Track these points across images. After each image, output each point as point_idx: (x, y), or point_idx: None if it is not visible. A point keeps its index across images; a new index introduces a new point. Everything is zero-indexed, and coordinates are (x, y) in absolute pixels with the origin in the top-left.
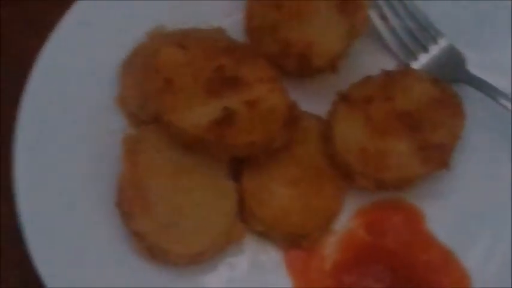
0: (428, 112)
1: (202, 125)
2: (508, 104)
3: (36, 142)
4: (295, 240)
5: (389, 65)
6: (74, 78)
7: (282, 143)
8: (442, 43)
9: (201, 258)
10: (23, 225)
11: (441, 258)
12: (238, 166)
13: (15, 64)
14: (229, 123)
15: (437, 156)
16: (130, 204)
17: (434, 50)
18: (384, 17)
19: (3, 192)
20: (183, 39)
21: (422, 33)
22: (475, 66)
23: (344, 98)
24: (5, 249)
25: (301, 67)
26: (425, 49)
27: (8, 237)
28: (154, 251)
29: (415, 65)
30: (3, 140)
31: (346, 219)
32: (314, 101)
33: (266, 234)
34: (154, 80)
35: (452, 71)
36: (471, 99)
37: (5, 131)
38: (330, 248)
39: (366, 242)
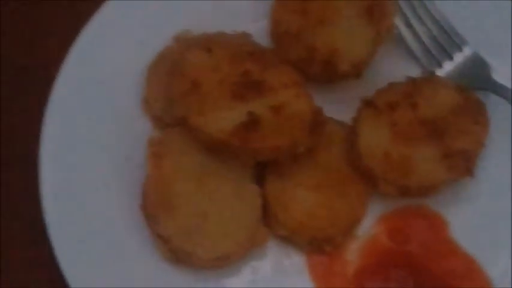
0: (452, 119)
1: (227, 129)
2: None
3: (62, 145)
4: (318, 245)
5: (414, 72)
6: (100, 81)
7: (306, 148)
8: (467, 51)
9: (224, 262)
10: (49, 227)
11: (464, 266)
12: (262, 170)
13: (42, 65)
14: (254, 127)
15: (461, 163)
16: (155, 207)
17: (459, 57)
18: (409, 24)
19: (31, 194)
20: (209, 43)
21: (447, 41)
22: (499, 74)
23: (369, 104)
24: (32, 250)
25: (326, 73)
26: (449, 56)
27: (34, 239)
28: (178, 254)
29: (440, 72)
30: (34, 141)
31: (369, 225)
32: (338, 107)
33: (289, 239)
34: (180, 84)
35: (476, 79)
36: (495, 107)
37: (33, 131)
38: (353, 253)
39: (389, 248)
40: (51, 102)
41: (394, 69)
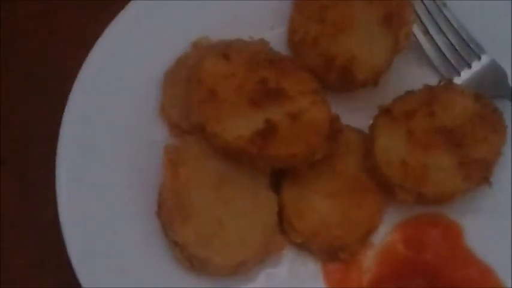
0: (470, 127)
1: (244, 136)
2: None
3: (79, 151)
4: (333, 253)
5: (432, 80)
6: (117, 88)
7: (323, 156)
8: (485, 59)
9: (240, 269)
10: (65, 234)
11: (480, 274)
12: (279, 178)
13: (58, 73)
14: (271, 135)
15: (479, 172)
16: (171, 214)
17: (477, 65)
18: (426, 32)
19: (49, 200)
20: (227, 50)
21: (465, 49)
22: None
23: (386, 112)
24: (47, 257)
25: (344, 81)
26: (467, 65)
27: (49, 246)
28: (194, 261)
29: (457, 81)
30: (51, 146)
31: (385, 232)
32: (356, 115)
33: (305, 246)
34: (197, 91)
35: (494, 87)
36: None
37: (50, 135)
38: (369, 261)
39: (405, 256)
40: (68, 109)
41: (411, 77)
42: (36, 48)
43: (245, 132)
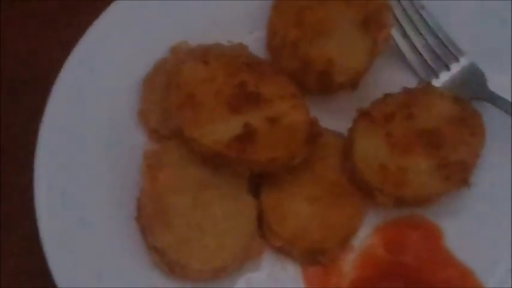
0: (448, 130)
1: (223, 141)
2: None
3: (57, 156)
4: (313, 257)
5: (410, 82)
6: (96, 93)
7: (302, 160)
8: (463, 61)
9: (220, 274)
10: (43, 239)
11: (460, 276)
12: (258, 182)
13: (39, 77)
14: (250, 139)
15: (458, 174)
16: (150, 219)
17: (456, 68)
18: (405, 35)
19: (24, 207)
20: (205, 54)
21: (444, 51)
22: (495, 84)
23: (364, 115)
24: (24, 261)
25: (322, 84)
26: (446, 67)
27: (27, 249)
28: (173, 266)
29: (436, 83)
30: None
31: (365, 236)
32: (335, 118)
33: (284, 250)
34: (176, 96)
35: (473, 89)
36: (492, 117)
37: (26, 140)
38: (349, 264)
39: (385, 259)
40: (47, 113)
41: (390, 80)
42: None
43: (224, 136)
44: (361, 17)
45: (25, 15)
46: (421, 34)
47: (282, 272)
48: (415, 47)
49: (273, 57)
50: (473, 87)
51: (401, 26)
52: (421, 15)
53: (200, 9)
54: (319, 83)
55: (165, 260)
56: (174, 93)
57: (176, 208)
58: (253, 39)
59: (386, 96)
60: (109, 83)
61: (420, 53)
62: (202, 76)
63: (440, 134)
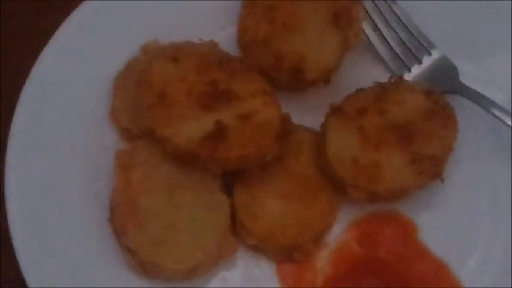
0: (421, 123)
1: (194, 139)
2: (501, 114)
3: (29, 156)
4: (287, 253)
5: (383, 76)
6: (67, 93)
7: (274, 157)
8: (435, 54)
9: (194, 273)
10: (13, 238)
11: (434, 270)
12: (231, 180)
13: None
14: (221, 137)
15: (430, 168)
16: (123, 219)
17: (427, 61)
18: (376, 29)
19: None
20: (176, 53)
21: (415, 45)
22: (467, 77)
23: (337, 111)
24: None
25: (294, 80)
26: (418, 60)
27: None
28: (146, 266)
29: (408, 77)
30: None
31: (339, 231)
32: (307, 114)
33: (259, 248)
34: (147, 94)
35: (445, 82)
36: (464, 110)
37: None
38: (323, 260)
39: (359, 254)
40: (17, 112)
41: (362, 74)
42: None
43: (195, 135)
44: (332, 12)
45: None
46: (392, 28)
47: (256, 270)
48: (386, 41)
49: (245, 54)
50: (445, 80)
51: (372, 21)
52: (392, 9)
53: (170, 7)
54: (291, 79)
55: (138, 260)
56: (145, 92)
57: (149, 208)
58: (224, 37)
59: (359, 91)
60: (80, 83)
61: (392, 47)
62: (173, 74)
63: (413, 127)
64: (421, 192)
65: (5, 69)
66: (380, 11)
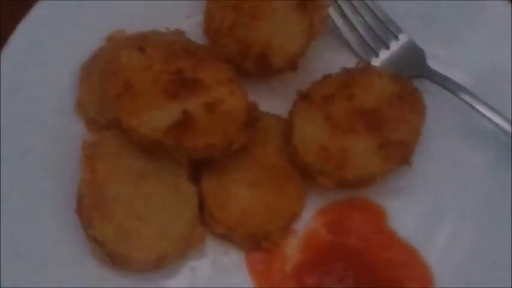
0: (388, 109)
1: (161, 128)
2: (468, 98)
3: None
4: (256, 242)
5: (351, 62)
6: (32, 84)
7: (242, 145)
8: (402, 39)
9: (162, 263)
10: None
11: (403, 255)
12: (199, 169)
13: None
14: (188, 126)
15: (398, 153)
16: (90, 211)
17: (395, 46)
18: (343, 15)
19: None
20: (142, 42)
21: (382, 30)
22: (434, 61)
23: (304, 97)
24: None
25: (261, 67)
26: (385, 45)
27: None
28: (114, 257)
29: (376, 62)
30: None
31: (308, 218)
32: (275, 101)
33: (227, 237)
34: (113, 84)
35: (412, 67)
36: (432, 94)
37: None
38: (292, 248)
39: (328, 241)
40: None
41: (330, 60)
42: None
43: (161, 124)
44: None
45: None
46: (359, 13)
47: (225, 259)
48: (353, 26)
49: (211, 42)
50: (412, 64)
51: (339, 6)
52: None
53: None
54: (258, 66)
55: (105, 252)
56: (111, 82)
57: (116, 198)
58: (190, 25)
59: (326, 77)
60: (46, 74)
61: (359, 32)
62: (139, 64)
63: (381, 113)
64: (389, 178)
65: None
66: None
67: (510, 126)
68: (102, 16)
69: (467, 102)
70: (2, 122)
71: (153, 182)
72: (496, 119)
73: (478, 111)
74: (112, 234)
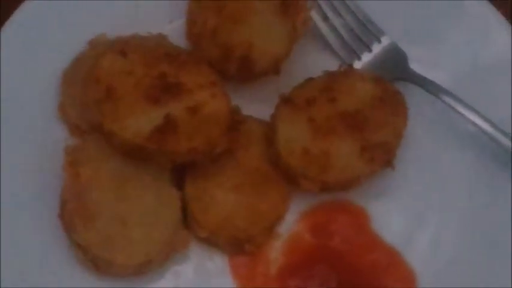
0: (371, 111)
1: (143, 133)
2: (450, 100)
3: None
4: (239, 245)
5: (333, 65)
6: (14, 88)
7: (225, 148)
8: (385, 41)
9: (146, 268)
10: None
11: (386, 258)
12: (182, 173)
13: None
14: (170, 130)
15: (381, 156)
16: (72, 216)
17: (377, 48)
18: (325, 17)
19: None
20: (124, 46)
21: (365, 32)
22: (417, 64)
23: (286, 101)
24: None
25: (243, 70)
26: (368, 48)
27: None
28: (98, 262)
29: (358, 65)
30: None
31: (291, 222)
32: (257, 105)
33: (210, 241)
34: (95, 89)
35: (394, 69)
36: (414, 97)
37: None
38: (276, 251)
39: (311, 244)
40: None
41: (312, 64)
42: None
43: (144, 129)
44: (279, 2)
45: None
46: (341, 16)
47: (209, 263)
48: (335, 29)
49: (194, 46)
50: (394, 67)
51: (321, 9)
52: None
53: (118, 0)
54: (241, 69)
55: (89, 257)
56: (93, 86)
57: (98, 203)
58: (173, 29)
59: (308, 80)
60: (28, 79)
61: (341, 35)
62: (120, 68)
63: (363, 115)
64: (372, 180)
65: None
66: None
67: (491, 128)
68: (84, 21)
69: (448, 104)
70: None
71: (136, 186)
72: (478, 120)
73: (459, 113)
74: (95, 239)
